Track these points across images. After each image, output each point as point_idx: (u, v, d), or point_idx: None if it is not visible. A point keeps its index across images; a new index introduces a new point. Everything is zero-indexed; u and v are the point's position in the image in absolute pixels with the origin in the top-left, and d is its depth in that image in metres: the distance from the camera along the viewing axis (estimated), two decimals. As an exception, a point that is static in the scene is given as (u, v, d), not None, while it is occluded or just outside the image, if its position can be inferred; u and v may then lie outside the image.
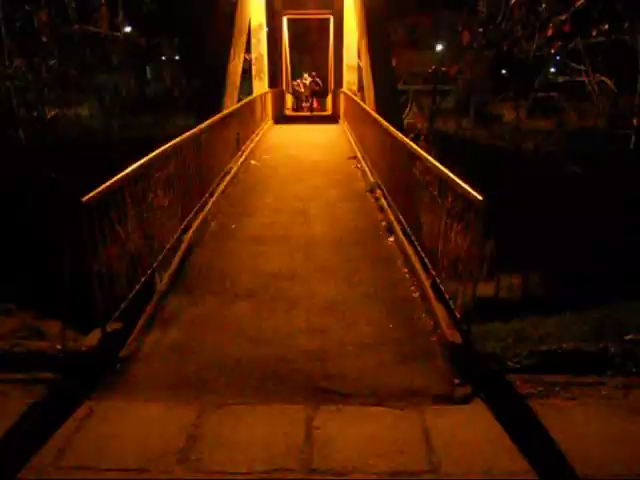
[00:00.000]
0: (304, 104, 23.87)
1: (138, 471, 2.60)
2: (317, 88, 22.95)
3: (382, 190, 7.37)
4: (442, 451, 2.71)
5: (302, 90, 23.63)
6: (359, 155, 10.44)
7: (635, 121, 12.75)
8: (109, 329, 3.60)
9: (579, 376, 3.39)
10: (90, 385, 3.27)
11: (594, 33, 12.45)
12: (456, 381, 3.32)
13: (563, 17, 12.36)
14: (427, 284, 4.43)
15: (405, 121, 15.42)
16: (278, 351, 3.69)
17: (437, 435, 2.83)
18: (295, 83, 24.92)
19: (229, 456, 2.69)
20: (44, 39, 12.77)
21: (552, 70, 16.12)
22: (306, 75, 23.51)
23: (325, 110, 23.88)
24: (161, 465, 2.64)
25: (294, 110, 24.52)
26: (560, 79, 14.79)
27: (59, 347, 3.58)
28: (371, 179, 8.38)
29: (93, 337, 3.58)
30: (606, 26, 12.25)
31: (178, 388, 3.28)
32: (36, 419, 3.01)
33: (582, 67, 13.28)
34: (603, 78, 13.16)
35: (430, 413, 3.02)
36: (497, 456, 2.69)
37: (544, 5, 12.48)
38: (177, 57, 28.95)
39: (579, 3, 12.24)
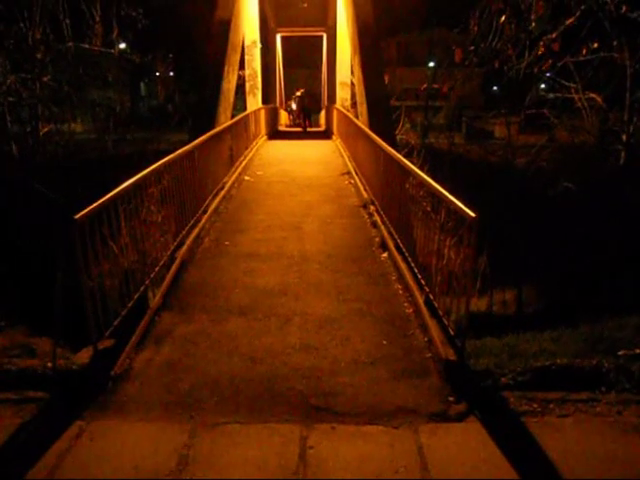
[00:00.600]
0: (297, 121, 23.64)
1: (129, 493, 2.57)
2: (308, 105, 21.81)
3: (375, 206, 7.40)
4: (437, 470, 2.70)
5: (294, 108, 22.94)
6: (352, 171, 10.49)
7: (624, 137, 12.91)
8: (101, 347, 3.57)
9: (573, 393, 3.38)
10: (81, 404, 3.23)
11: (584, 51, 12.63)
12: (451, 398, 3.30)
13: (553, 35, 12.55)
14: (421, 300, 4.43)
15: (398, 137, 15.53)
16: (271, 369, 3.66)
17: (432, 454, 2.81)
18: (288, 103, 24.57)
19: (222, 477, 2.66)
20: (38, 56, 12.82)
21: (543, 87, 16.32)
22: (299, 93, 22.41)
23: (318, 126, 24.03)
24: (153, 486, 2.60)
25: (290, 126, 24.65)
26: (551, 96, 14.96)
27: (50, 365, 3.54)
28: (364, 195, 8.41)
29: (84, 355, 3.56)
30: (595, 44, 12.43)
31: (170, 407, 3.24)
32: (26, 439, 2.97)
33: (572, 84, 13.45)
34: (593, 95, 13.33)
35: (425, 431, 3.00)
36: (492, 475, 2.67)
37: (534, 24, 12.67)
38: (171, 73, 29.18)
39: (569, 22, 12.44)
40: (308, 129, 20.87)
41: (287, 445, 2.88)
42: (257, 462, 2.75)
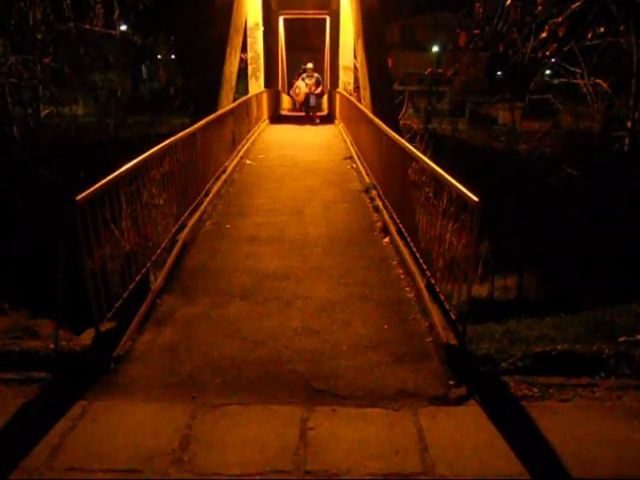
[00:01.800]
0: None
1: (131, 472, 2.59)
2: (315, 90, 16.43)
3: (377, 191, 7.38)
4: (437, 453, 2.72)
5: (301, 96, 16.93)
6: (355, 155, 10.44)
7: (629, 124, 12.81)
8: (103, 329, 3.58)
9: (573, 378, 3.40)
10: (83, 385, 3.25)
11: (589, 36, 12.49)
12: (451, 382, 3.32)
13: (559, 19, 12.40)
14: (422, 285, 4.43)
15: (401, 122, 15.44)
16: (273, 351, 3.68)
17: (432, 436, 2.83)
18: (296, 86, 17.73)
19: (223, 457, 2.68)
20: (39, 36, 12.70)
21: (547, 72, 16.16)
22: (310, 65, 16.81)
23: (321, 110, 23.85)
24: (154, 466, 2.62)
25: (292, 110, 24.43)
26: (555, 81, 14.83)
27: (52, 347, 3.56)
28: (366, 179, 8.38)
29: (87, 337, 3.57)
30: (601, 29, 12.28)
31: (172, 388, 3.26)
32: (29, 419, 2.99)
33: (577, 69, 13.32)
34: (598, 80, 13.20)
35: (425, 414, 3.02)
36: (492, 458, 2.69)
37: (540, 7, 12.51)
38: (173, 56, 28.95)
39: (574, 6, 12.29)
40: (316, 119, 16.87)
41: (288, 426, 2.90)
42: (258, 443, 2.77)
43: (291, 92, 17.07)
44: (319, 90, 16.62)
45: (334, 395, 3.20)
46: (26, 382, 3.31)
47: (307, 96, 16.56)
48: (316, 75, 16.48)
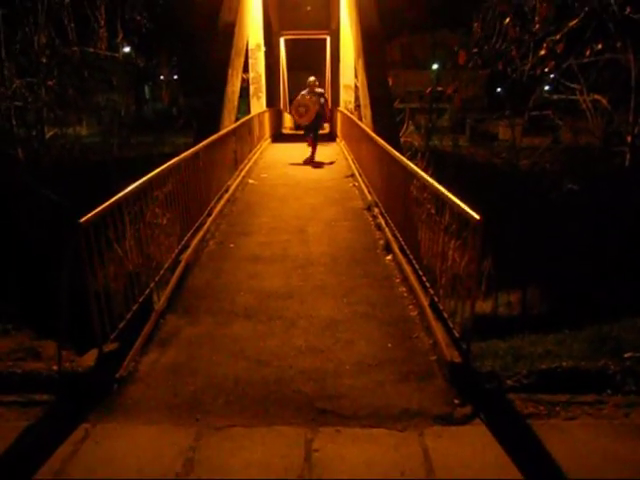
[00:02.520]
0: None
1: (135, 495, 2.57)
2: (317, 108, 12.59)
3: (380, 208, 7.39)
4: (443, 473, 2.69)
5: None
6: (356, 173, 10.49)
7: (629, 138, 12.85)
8: (106, 350, 3.58)
9: (579, 395, 3.37)
10: (86, 407, 3.24)
11: (587, 52, 12.59)
12: (456, 401, 3.30)
13: (557, 37, 12.52)
14: (425, 302, 4.42)
15: (402, 139, 15.50)
16: (277, 371, 3.66)
17: (437, 456, 2.80)
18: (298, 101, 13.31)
19: (227, 480, 2.66)
20: (44, 60, 12.87)
21: (547, 88, 16.27)
22: (312, 79, 13.21)
23: (322, 129, 23.99)
24: (158, 489, 2.60)
25: (294, 129, 24.60)
26: (555, 97, 14.92)
27: (55, 368, 3.55)
28: (368, 197, 8.41)
29: (90, 358, 3.56)
30: (599, 46, 12.39)
31: (176, 410, 3.24)
32: (31, 442, 2.97)
33: (577, 86, 13.42)
34: (597, 96, 13.29)
35: (430, 434, 2.99)
36: (498, 478, 2.66)
37: (538, 25, 12.65)
38: (175, 77, 29.27)
39: (572, 23, 12.42)
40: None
41: (292, 448, 2.88)
42: (262, 465, 2.75)
43: (292, 110, 13.32)
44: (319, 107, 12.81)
45: (338, 415, 3.17)
46: (28, 404, 3.30)
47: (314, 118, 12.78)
48: (319, 90, 13.08)
